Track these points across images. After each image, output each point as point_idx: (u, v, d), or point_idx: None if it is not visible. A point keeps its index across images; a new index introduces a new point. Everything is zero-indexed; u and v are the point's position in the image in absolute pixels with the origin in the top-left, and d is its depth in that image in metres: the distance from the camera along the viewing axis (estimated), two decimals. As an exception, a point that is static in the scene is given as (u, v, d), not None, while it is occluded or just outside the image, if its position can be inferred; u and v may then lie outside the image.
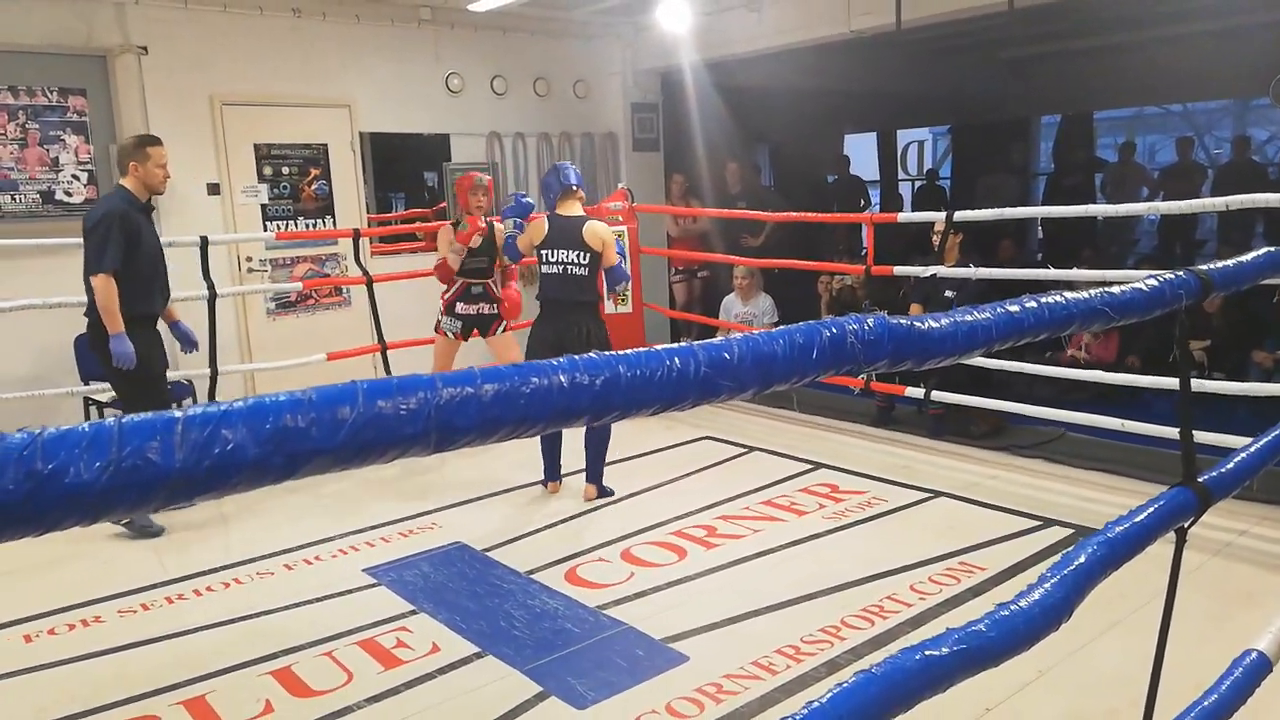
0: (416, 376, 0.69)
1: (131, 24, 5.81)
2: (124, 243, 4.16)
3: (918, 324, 1.00)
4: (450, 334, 5.22)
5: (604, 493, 4.67)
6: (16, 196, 5.46)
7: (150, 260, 4.34)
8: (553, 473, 4.80)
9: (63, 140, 5.61)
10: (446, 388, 0.67)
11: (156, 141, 4.37)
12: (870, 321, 0.95)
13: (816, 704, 0.98)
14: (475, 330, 5.22)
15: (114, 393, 4.63)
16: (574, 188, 4.64)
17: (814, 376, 0.90)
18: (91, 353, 4.40)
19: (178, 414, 0.60)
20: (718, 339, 0.86)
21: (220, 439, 0.59)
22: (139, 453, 0.56)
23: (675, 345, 0.81)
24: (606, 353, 0.77)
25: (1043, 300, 1.17)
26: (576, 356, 0.75)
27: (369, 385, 0.67)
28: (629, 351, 0.78)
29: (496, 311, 5.23)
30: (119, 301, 4.15)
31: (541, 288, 4.61)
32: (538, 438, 4.35)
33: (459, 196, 5.20)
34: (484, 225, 5.11)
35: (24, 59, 5.47)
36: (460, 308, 5.17)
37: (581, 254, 4.51)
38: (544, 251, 4.56)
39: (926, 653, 1.05)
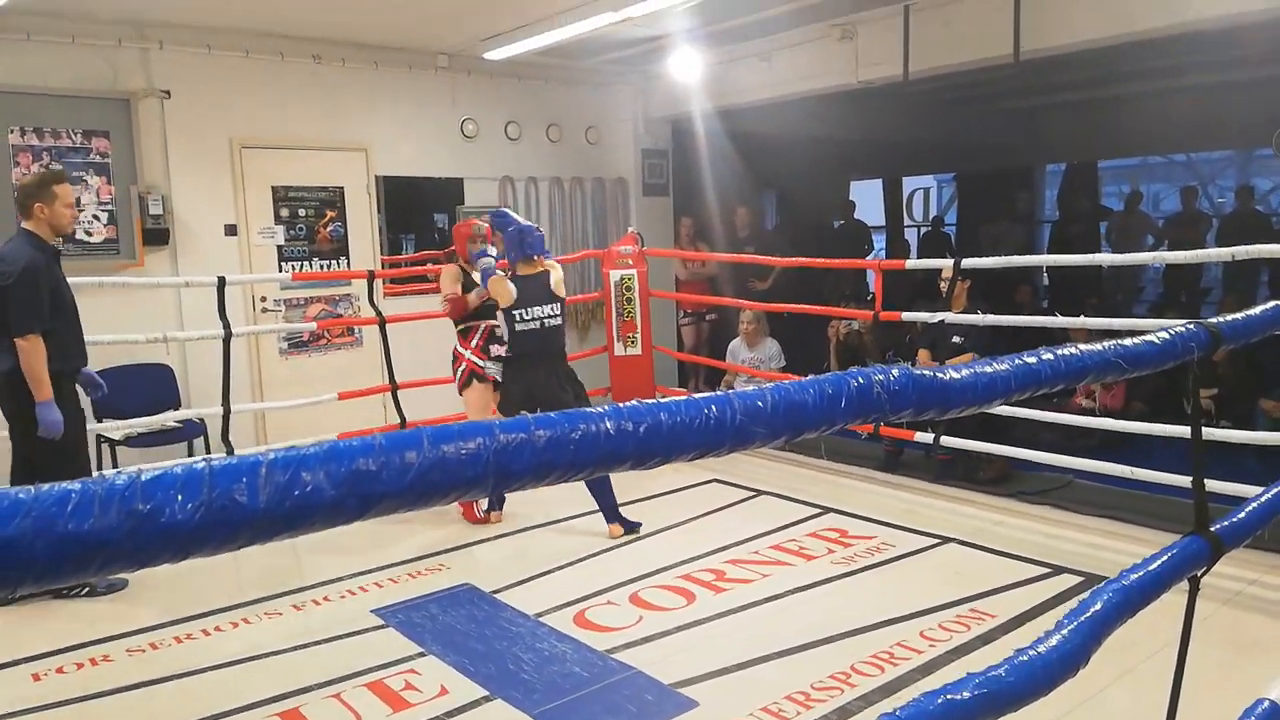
0: (476, 423, 0.73)
1: (155, 68, 5.94)
2: (50, 298, 3.86)
3: (940, 375, 1.04)
4: (496, 376, 5.09)
5: (629, 528, 4.75)
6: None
7: (71, 313, 4.05)
8: (498, 501, 5.01)
9: (85, 181, 5.72)
10: (503, 433, 0.71)
11: (61, 179, 4.07)
12: (895, 372, 0.99)
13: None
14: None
15: (21, 455, 4.03)
16: (533, 257, 4.72)
17: (842, 425, 0.94)
18: None
19: (262, 457, 0.64)
20: (751, 389, 0.90)
21: (300, 481, 0.63)
22: (227, 494, 0.60)
23: (713, 394, 0.85)
24: (583, 392, 0.81)
25: (1059, 352, 1.21)
26: (621, 405, 0.79)
27: (433, 431, 0.70)
28: (670, 400, 0.82)
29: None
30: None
31: (516, 344, 4.66)
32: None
33: (456, 244, 5.21)
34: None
35: (51, 101, 5.60)
36: (494, 350, 5.11)
37: (554, 305, 4.67)
38: (518, 311, 4.62)
39: (948, 696, 1.07)
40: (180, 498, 0.60)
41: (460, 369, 5.12)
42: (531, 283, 4.68)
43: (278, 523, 0.63)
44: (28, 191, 3.97)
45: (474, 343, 5.15)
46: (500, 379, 5.06)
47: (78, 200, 5.70)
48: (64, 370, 3.99)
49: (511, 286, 4.63)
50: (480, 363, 5.14)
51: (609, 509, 4.73)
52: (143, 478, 0.61)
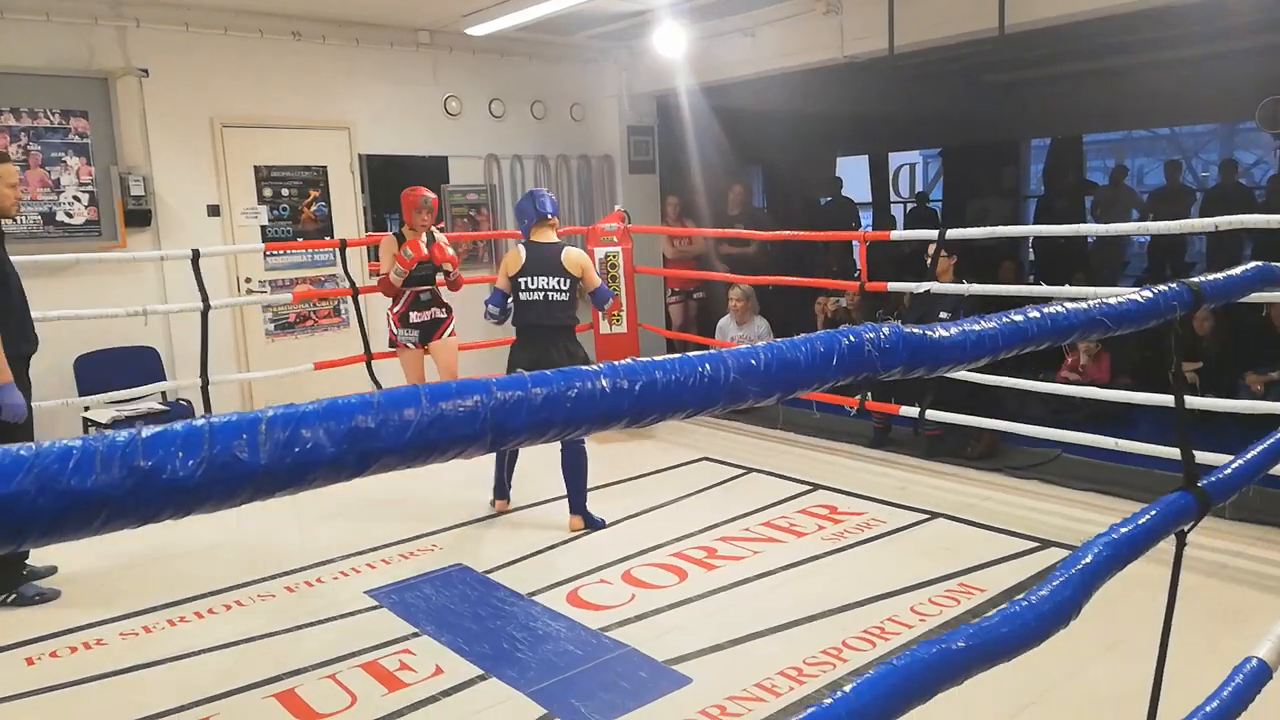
0: (473, 381, 0.73)
1: (133, 46, 5.87)
2: None
3: (930, 332, 1.04)
4: (410, 345, 5.33)
5: (591, 522, 4.56)
6: (18, 218, 5.47)
7: (20, 295, 3.90)
8: (501, 490, 4.89)
9: (64, 162, 5.66)
10: (500, 391, 0.71)
11: (4, 158, 3.89)
12: (885, 330, 0.99)
13: (841, 693, 1.02)
14: (431, 335, 5.36)
15: None
16: (549, 216, 4.70)
17: (833, 382, 0.94)
18: None
19: (261, 414, 0.64)
20: (744, 347, 0.90)
21: (300, 438, 0.63)
22: (228, 450, 0.60)
23: (706, 353, 0.85)
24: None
25: (1045, 310, 1.22)
26: (616, 363, 0.79)
27: (430, 389, 0.71)
28: (665, 358, 0.82)
29: (445, 314, 5.39)
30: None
31: (520, 314, 4.64)
32: (492, 455, 4.43)
33: (404, 210, 5.28)
34: (423, 249, 5.19)
35: (27, 81, 5.53)
36: (414, 317, 5.31)
37: (562, 280, 4.57)
38: (523, 280, 4.58)
39: (944, 645, 1.08)
40: (182, 454, 0.60)
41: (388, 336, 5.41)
42: (543, 251, 4.62)
43: (278, 479, 0.63)
44: None
45: (396, 309, 5.32)
46: (411, 344, 5.29)
47: (58, 182, 5.64)
48: (22, 353, 3.85)
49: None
50: (396, 330, 5.33)
51: (577, 497, 4.56)
52: (143, 434, 0.61)
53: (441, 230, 5.40)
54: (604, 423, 0.76)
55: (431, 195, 5.31)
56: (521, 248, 4.67)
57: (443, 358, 5.40)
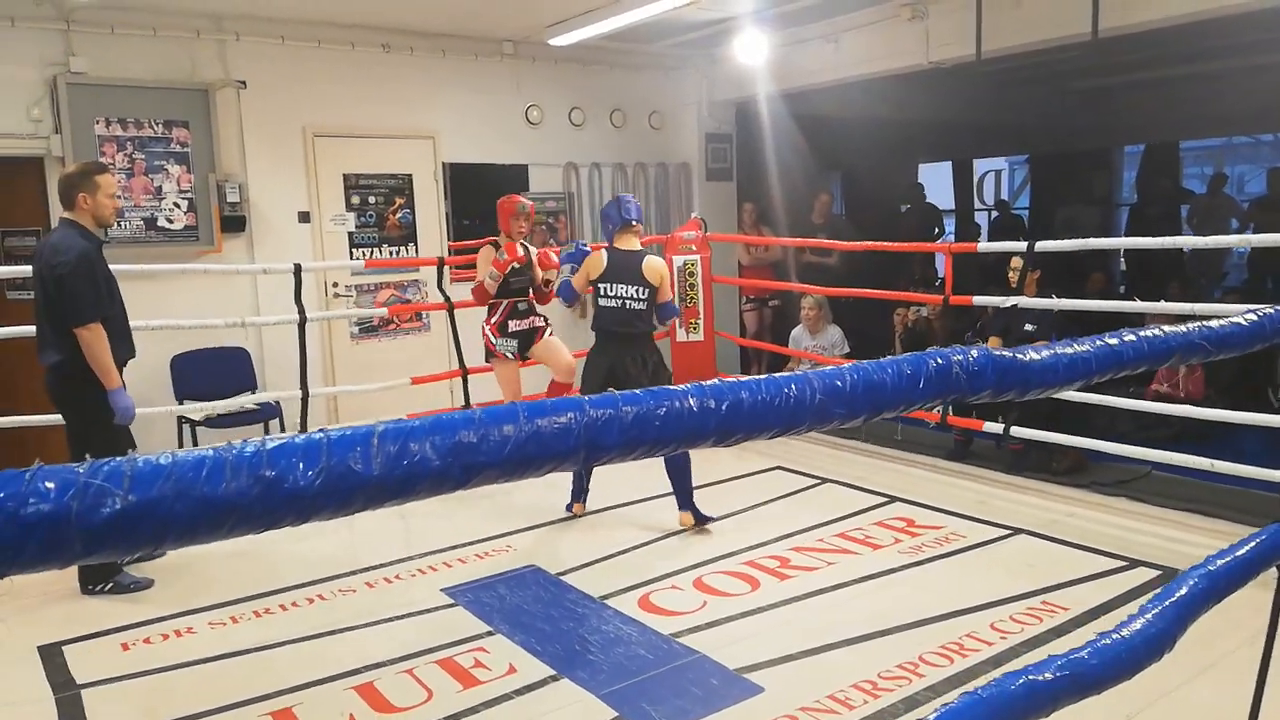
0: (568, 399, 0.76)
1: (232, 59, 6.12)
2: (104, 287, 3.82)
3: (1020, 356, 1.03)
4: (509, 355, 5.23)
5: (700, 518, 4.63)
6: (122, 223, 5.76)
7: (120, 302, 4.01)
8: (579, 494, 4.90)
9: (166, 170, 5.92)
10: (593, 409, 0.73)
11: (104, 169, 3.99)
12: (974, 353, 0.98)
13: (924, 722, 1.01)
14: (530, 344, 5.26)
15: (78, 452, 3.93)
16: (633, 223, 4.71)
17: (920, 405, 0.94)
18: (63, 409, 3.98)
19: (373, 428, 0.68)
20: (829, 368, 0.90)
21: (409, 451, 0.66)
22: (344, 462, 0.64)
23: (793, 374, 0.86)
24: (666, 380, 0.82)
25: (1141, 334, 1.18)
26: (704, 384, 0.81)
27: (528, 406, 0.73)
28: (751, 379, 0.84)
29: (544, 322, 5.31)
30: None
31: (598, 319, 4.67)
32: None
33: (500, 218, 5.20)
34: (521, 251, 5.12)
35: (133, 92, 5.81)
36: (513, 326, 5.20)
37: (640, 289, 4.57)
38: (602, 285, 4.61)
39: (1030, 677, 1.06)
40: (302, 465, 0.64)
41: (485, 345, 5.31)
42: (625, 259, 4.64)
43: (388, 489, 0.66)
44: (71, 181, 3.88)
45: (494, 320, 5.23)
46: (511, 354, 5.21)
47: (159, 189, 5.91)
48: (125, 360, 3.98)
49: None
50: (494, 339, 5.23)
51: (684, 495, 4.64)
52: (268, 446, 0.65)
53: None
54: (691, 441, 0.78)
55: (529, 203, 5.25)
56: (604, 252, 4.69)
57: (553, 357, 5.25)
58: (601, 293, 4.62)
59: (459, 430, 0.68)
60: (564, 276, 4.91)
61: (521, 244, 5.16)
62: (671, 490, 4.68)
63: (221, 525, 0.63)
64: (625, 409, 0.74)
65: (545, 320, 5.35)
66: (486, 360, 5.40)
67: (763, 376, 0.84)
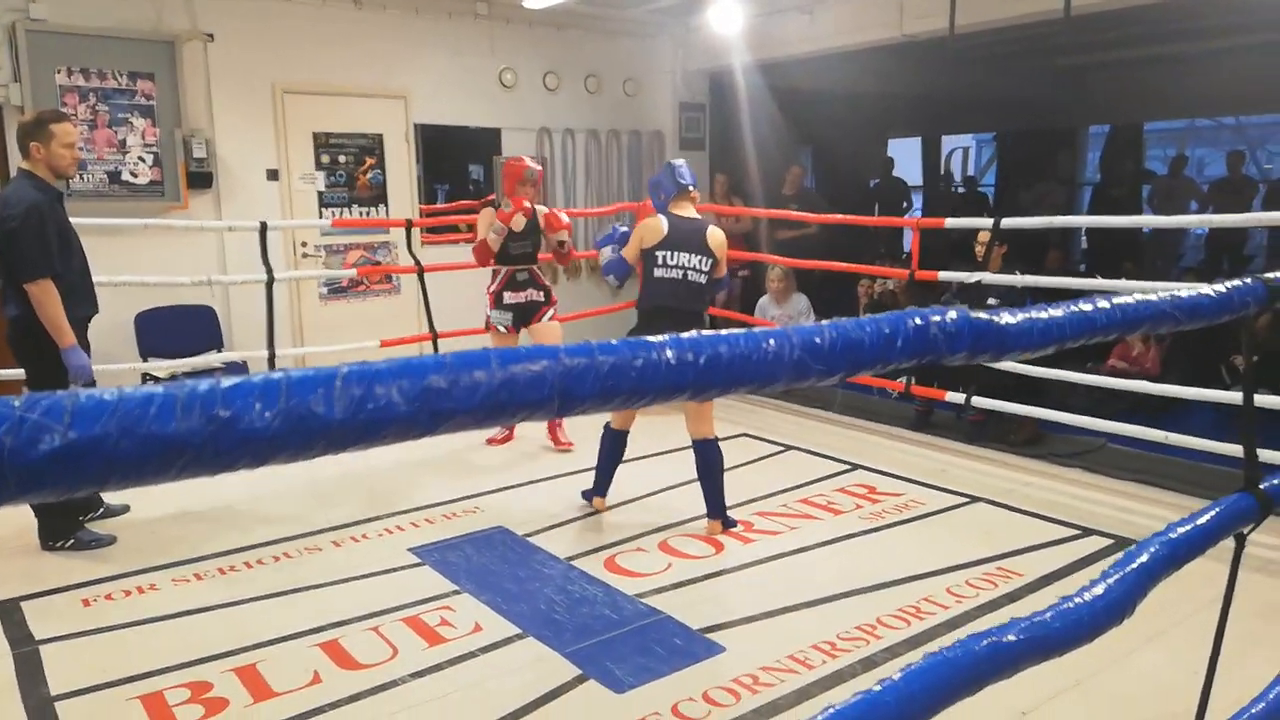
0: (542, 347, 0.75)
1: (199, 11, 5.97)
2: (57, 240, 3.67)
3: (996, 318, 1.04)
4: (502, 328, 5.07)
5: (729, 524, 4.19)
6: (85, 176, 5.63)
7: (81, 257, 3.88)
8: (601, 487, 4.42)
9: (130, 123, 5.78)
10: (568, 357, 0.73)
11: (62, 118, 3.82)
12: (952, 314, 1.00)
13: (889, 680, 1.03)
14: (527, 319, 5.11)
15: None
16: (689, 188, 4.24)
17: (897, 364, 0.95)
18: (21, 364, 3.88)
19: (337, 369, 0.66)
20: (808, 325, 0.91)
21: (374, 395, 0.65)
22: (304, 404, 0.62)
23: (772, 329, 0.87)
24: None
25: (1115, 301, 1.20)
26: (682, 336, 0.81)
27: (499, 353, 0.73)
28: (729, 332, 0.84)
29: (544, 298, 5.12)
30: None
31: (651, 294, 4.15)
32: (597, 451, 4.33)
33: (505, 182, 5.01)
34: (529, 206, 4.94)
35: (96, 42, 5.65)
36: (508, 297, 5.05)
37: (704, 259, 4.11)
38: (661, 253, 4.10)
39: (994, 638, 1.09)
40: (259, 405, 0.62)
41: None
42: (688, 226, 4.15)
43: (351, 434, 0.65)
44: (25, 130, 3.74)
45: (491, 288, 5.10)
46: (504, 327, 5.02)
47: (123, 142, 5.77)
48: (83, 316, 3.87)
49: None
50: (489, 311, 5.11)
51: (715, 501, 4.19)
52: (223, 384, 0.63)
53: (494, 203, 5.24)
54: (668, 394, 0.78)
55: (538, 167, 5.02)
56: (662, 218, 4.17)
57: (544, 341, 4.98)
58: (659, 262, 4.10)
59: (429, 374, 0.67)
60: (607, 258, 4.44)
61: (528, 203, 4.97)
62: (696, 482, 4.27)
63: (170, 466, 0.61)
64: (601, 359, 0.74)
65: (547, 298, 5.15)
66: (485, 329, 5.23)
67: (742, 330, 0.85)
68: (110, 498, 4.27)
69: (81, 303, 3.85)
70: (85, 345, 3.89)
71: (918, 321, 0.95)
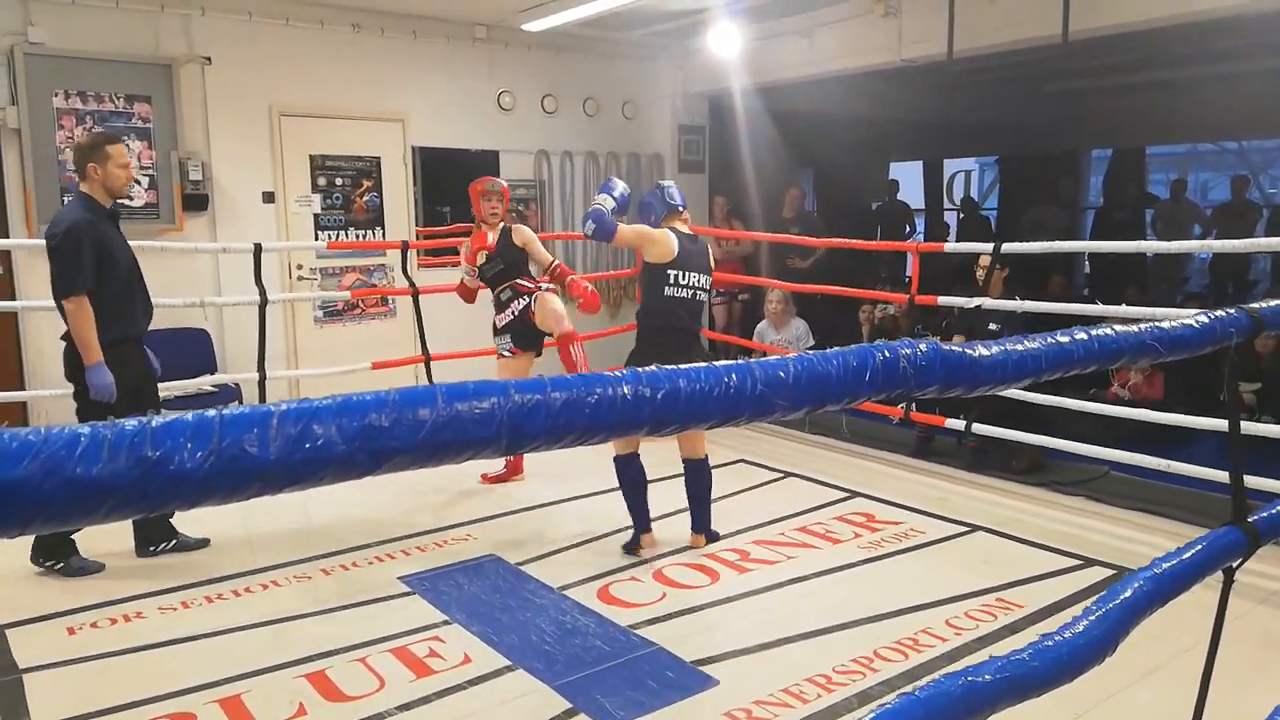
0: (492, 382, 0.72)
1: (196, 34, 5.99)
2: (94, 259, 3.76)
3: (969, 351, 1.01)
4: (506, 352, 4.98)
5: (712, 538, 4.28)
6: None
7: (125, 275, 3.94)
8: (644, 523, 4.22)
9: (127, 145, 5.77)
10: (518, 393, 0.70)
11: (115, 139, 3.98)
12: (923, 346, 0.97)
13: (860, 722, 0.99)
14: (530, 332, 4.95)
15: (79, 417, 3.87)
16: (680, 209, 4.17)
17: (866, 398, 0.92)
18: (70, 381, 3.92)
19: (274, 408, 0.64)
20: (774, 358, 0.88)
21: (311, 434, 0.62)
22: (237, 444, 0.60)
23: (733, 363, 0.84)
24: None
25: (1092, 332, 1.17)
26: (640, 371, 0.78)
27: (447, 389, 0.70)
28: (689, 367, 0.81)
29: (529, 299, 4.91)
30: (96, 326, 3.76)
31: (662, 312, 4.05)
32: (621, 491, 4.18)
33: (472, 201, 4.99)
34: (491, 241, 4.92)
35: (94, 65, 5.67)
36: (498, 321, 5.00)
37: (707, 279, 4.11)
38: (674, 273, 4.00)
39: (969, 678, 1.05)
40: (190, 445, 0.60)
41: None
42: (694, 244, 4.09)
43: (287, 475, 0.62)
44: (81, 152, 3.89)
45: (495, 320, 5.05)
46: (508, 351, 4.93)
47: (121, 165, 5.77)
48: (123, 335, 3.89)
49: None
50: (494, 340, 5.07)
51: (701, 516, 4.25)
52: (153, 424, 0.61)
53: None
54: (624, 430, 0.75)
55: (502, 182, 5.01)
56: (670, 234, 4.04)
57: (544, 311, 4.82)
58: (671, 281, 4.00)
59: (369, 413, 0.64)
60: (599, 206, 4.11)
61: (500, 228, 4.94)
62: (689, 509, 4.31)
63: (97, 509, 0.58)
64: (554, 395, 0.71)
65: (530, 291, 4.95)
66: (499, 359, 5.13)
67: (703, 365, 0.82)
68: (189, 529, 4.25)
69: (116, 324, 3.86)
70: (137, 362, 3.97)
71: (886, 355, 0.92)
